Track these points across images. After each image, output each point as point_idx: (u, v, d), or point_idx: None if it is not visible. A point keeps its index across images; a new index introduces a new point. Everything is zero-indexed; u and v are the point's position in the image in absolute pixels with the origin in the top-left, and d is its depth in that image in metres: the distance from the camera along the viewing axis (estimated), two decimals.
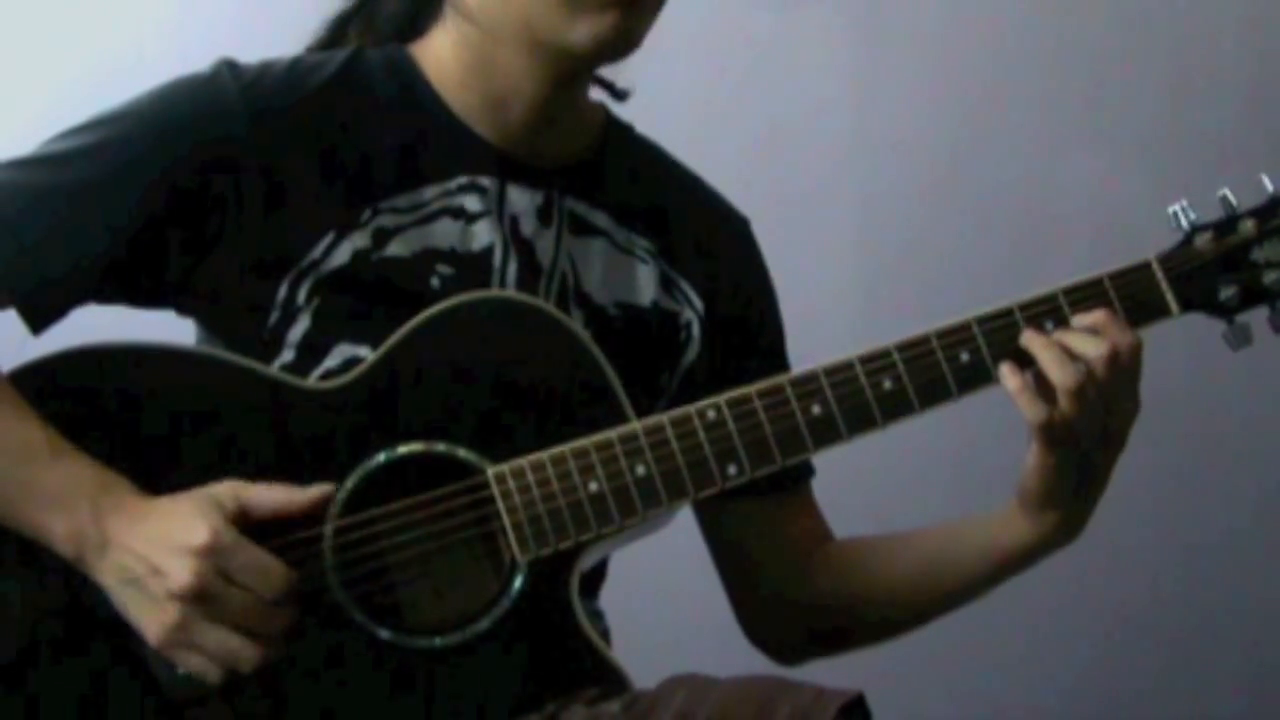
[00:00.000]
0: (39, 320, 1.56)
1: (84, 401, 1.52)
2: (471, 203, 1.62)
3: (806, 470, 1.77)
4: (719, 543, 1.78)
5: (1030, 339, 1.56)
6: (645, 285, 1.69)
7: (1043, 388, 1.55)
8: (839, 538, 1.79)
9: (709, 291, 1.71)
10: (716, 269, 1.72)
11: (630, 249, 1.69)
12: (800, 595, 1.76)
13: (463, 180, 1.63)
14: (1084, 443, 1.56)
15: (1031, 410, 1.55)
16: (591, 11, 1.56)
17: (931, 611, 1.73)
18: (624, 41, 1.59)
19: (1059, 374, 1.54)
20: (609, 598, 1.72)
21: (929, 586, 1.71)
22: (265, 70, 1.62)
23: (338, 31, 1.69)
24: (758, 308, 1.76)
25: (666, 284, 1.70)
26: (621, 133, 1.73)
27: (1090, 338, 1.55)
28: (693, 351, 1.71)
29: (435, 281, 1.59)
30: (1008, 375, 1.56)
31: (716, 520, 1.77)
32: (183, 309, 1.62)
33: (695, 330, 1.71)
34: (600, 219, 1.68)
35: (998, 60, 2.75)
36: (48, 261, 1.55)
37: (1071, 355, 1.54)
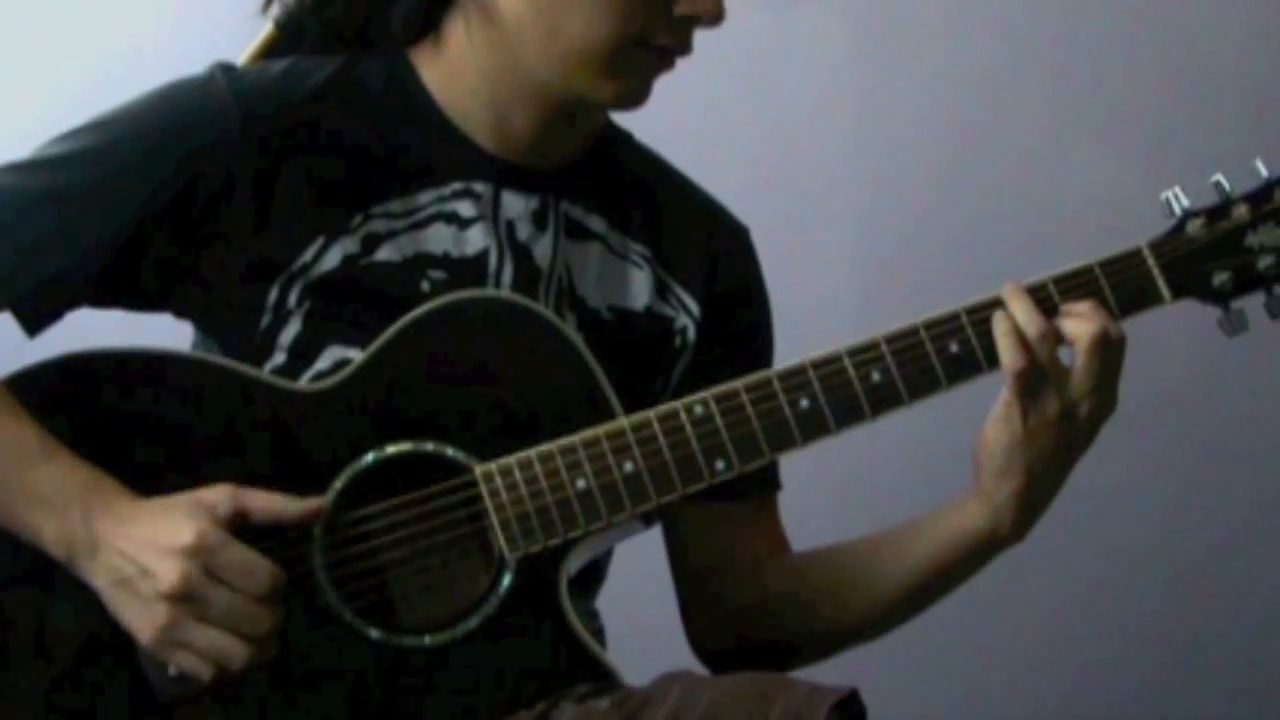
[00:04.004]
0: (34, 323, 1.57)
1: (77, 406, 1.53)
2: (465, 208, 1.62)
3: (774, 483, 1.75)
4: (677, 543, 1.76)
5: (1009, 291, 1.56)
6: (639, 290, 1.68)
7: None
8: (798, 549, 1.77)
9: (706, 298, 1.70)
10: (714, 276, 1.71)
11: (625, 253, 1.69)
12: (751, 603, 1.72)
13: (457, 186, 1.62)
14: (1050, 409, 1.54)
15: (1010, 355, 1.54)
16: (632, 77, 1.58)
17: (881, 614, 1.69)
18: (644, 98, 1.61)
19: (1026, 321, 1.54)
20: (603, 594, 1.71)
21: (877, 586, 1.67)
22: (260, 74, 1.62)
23: (343, 33, 1.66)
24: (752, 317, 1.75)
25: (661, 290, 1.69)
26: (620, 138, 1.73)
27: (1077, 320, 1.55)
28: (687, 358, 1.70)
29: (426, 285, 1.59)
30: (1000, 319, 1.55)
31: (678, 520, 1.74)
32: (179, 311, 1.62)
33: (691, 336, 1.70)
34: (596, 223, 1.68)
35: (999, 59, 2.74)
36: (43, 265, 1.56)
37: (1058, 335, 1.54)
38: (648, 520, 1.58)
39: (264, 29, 1.66)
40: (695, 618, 1.76)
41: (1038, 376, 1.54)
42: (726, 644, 1.74)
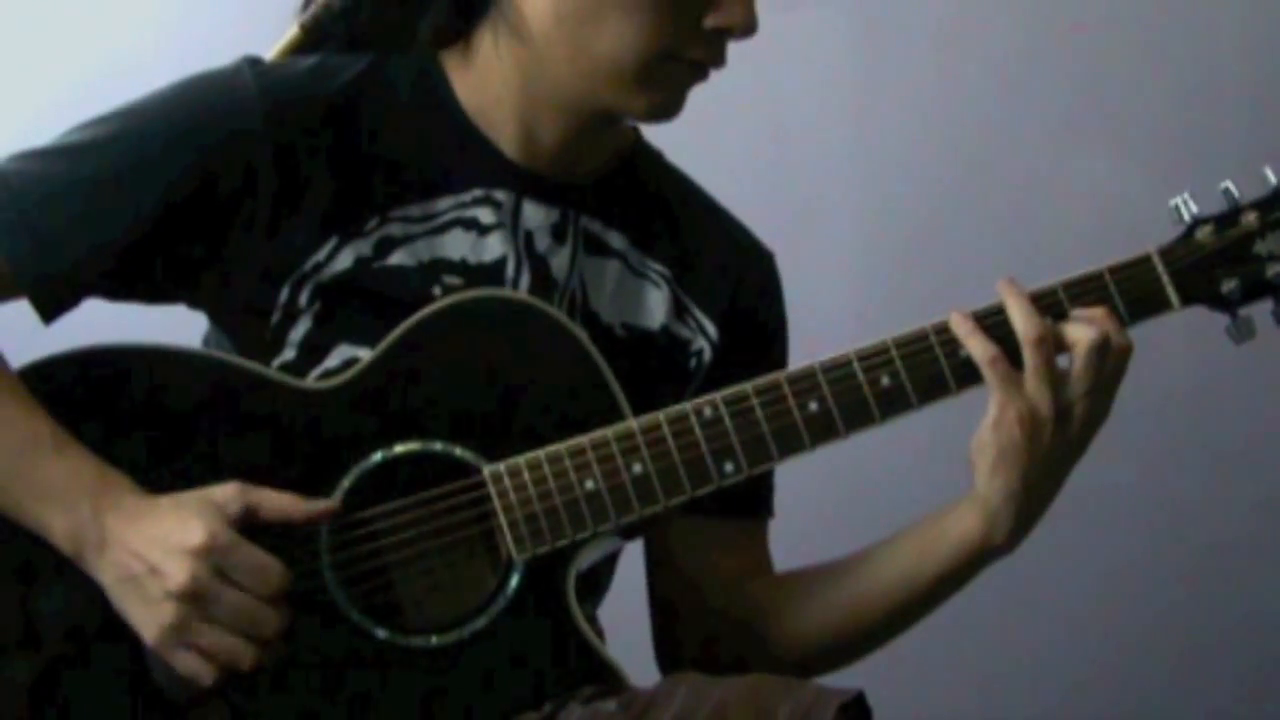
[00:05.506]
0: (51, 310, 1.56)
1: (86, 400, 1.52)
2: (485, 215, 1.61)
3: (766, 507, 1.74)
4: (660, 557, 1.74)
5: (1003, 287, 1.55)
6: (656, 309, 1.67)
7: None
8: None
9: (725, 323, 1.69)
10: (735, 301, 1.70)
11: (644, 272, 1.68)
12: (733, 617, 1.71)
13: (478, 192, 1.62)
14: (1042, 413, 1.53)
15: (980, 349, 1.53)
16: (664, 90, 1.57)
17: (869, 626, 1.66)
18: (676, 110, 1.60)
19: (1022, 323, 1.53)
20: (609, 595, 1.71)
21: (868, 595, 1.65)
22: (288, 69, 1.61)
23: (370, 40, 1.66)
24: (771, 346, 1.74)
25: (679, 310, 1.68)
26: (649, 157, 1.72)
27: (1078, 325, 1.54)
28: (700, 380, 1.68)
29: (438, 290, 1.59)
30: (959, 321, 1.54)
31: (666, 533, 1.72)
32: (193, 302, 1.62)
33: (707, 359, 1.69)
34: (615, 240, 1.67)
35: (1003, 60, 2.74)
36: (62, 251, 1.55)
37: (1059, 340, 1.53)
38: (627, 534, 1.57)
39: (284, 31, 1.66)
40: (669, 633, 1.75)
41: (1033, 380, 1.53)
42: (697, 660, 1.70)
